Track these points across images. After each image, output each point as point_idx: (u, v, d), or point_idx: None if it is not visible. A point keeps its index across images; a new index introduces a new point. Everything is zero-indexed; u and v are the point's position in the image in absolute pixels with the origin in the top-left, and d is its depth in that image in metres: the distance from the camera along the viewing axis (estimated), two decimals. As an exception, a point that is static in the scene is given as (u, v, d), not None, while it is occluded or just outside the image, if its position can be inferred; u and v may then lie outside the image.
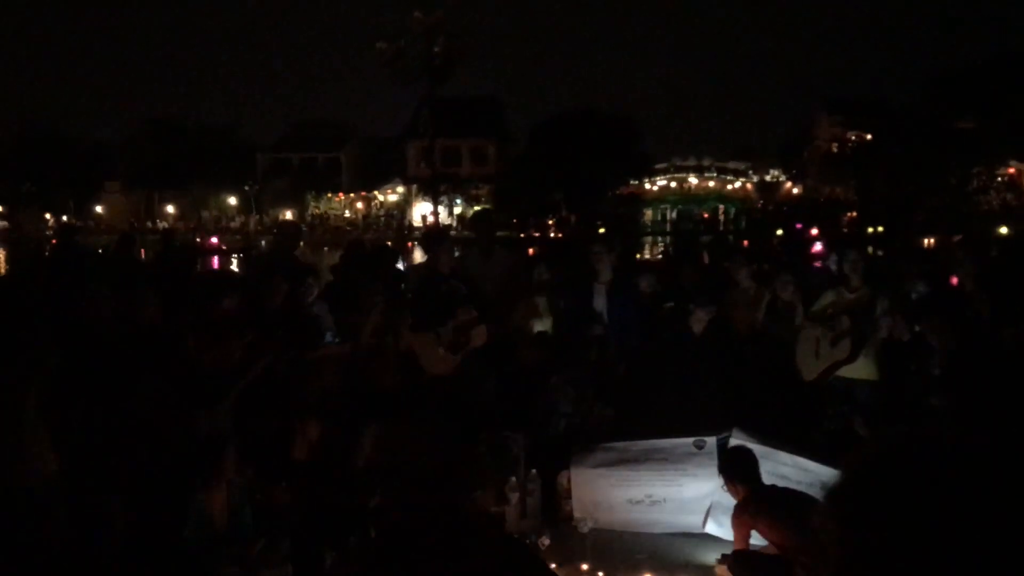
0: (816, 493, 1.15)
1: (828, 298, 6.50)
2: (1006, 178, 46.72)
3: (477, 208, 35.70)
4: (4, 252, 34.48)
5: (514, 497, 5.24)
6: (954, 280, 6.90)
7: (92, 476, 4.23)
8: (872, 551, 0.97)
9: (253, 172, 59.84)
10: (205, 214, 60.50)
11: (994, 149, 43.19)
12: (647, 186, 62.55)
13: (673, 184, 65.56)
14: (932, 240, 34.41)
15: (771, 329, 6.71)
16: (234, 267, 20.95)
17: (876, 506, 0.99)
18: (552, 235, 48.92)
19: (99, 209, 62.02)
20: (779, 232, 37.71)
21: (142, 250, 14.18)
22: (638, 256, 18.86)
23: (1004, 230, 33.66)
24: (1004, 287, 6.26)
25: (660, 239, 47.66)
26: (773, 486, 4.68)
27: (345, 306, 6.84)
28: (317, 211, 60.32)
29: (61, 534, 3.90)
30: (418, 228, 50.97)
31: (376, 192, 62.08)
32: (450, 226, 39.84)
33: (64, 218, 55.98)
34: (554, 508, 5.41)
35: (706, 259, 9.38)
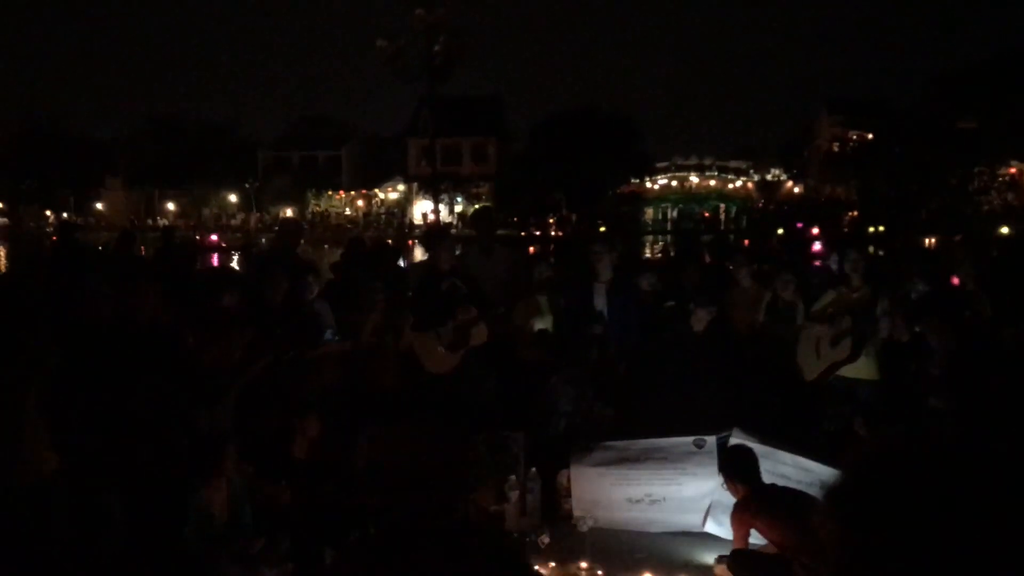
0: (816, 493, 1.15)
1: (829, 298, 6.49)
2: (1007, 178, 46.69)
3: (477, 206, 35.66)
4: (4, 249, 34.48)
5: (514, 495, 5.24)
6: (955, 280, 6.89)
7: (92, 475, 4.22)
8: (872, 550, 0.97)
9: (254, 170, 59.85)
10: (206, 212, 60.52)
11: (995, 149, 43.20)
12: (648, 185, 62.60)
13: (674, 183, 65.58)
14: (933, 240, 34.44)
15: (773, 329, 6.71)
16: (234, 265, 20.94)
17: (876, 506, 0.99)
18: (553, 234, 48.95)
19: (100, 206, 62.08)
20: (780, 231, 37.75)
21: (142, 247, 14.17)
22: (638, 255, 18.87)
23: (1005, 230, 33.68)
24: (1004, 287, 6.26)
25: (661, 238, 47.68)
26: (773, 485, 4.69)
27: (345, 304, 6.84)
28: (318, 209, 60.32)
29: (61, 534, 3.90)
30: (419, 226, 51.00)
31: (377, 190, 62.09)
32: (451, 224, 39.85)
33: (64, 215, 56.01)
34: (554, 507, 5.42)
35: (707, 258, 9.38)
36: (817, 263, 9.93)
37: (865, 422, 5.66)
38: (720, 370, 6.25)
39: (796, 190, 62.12)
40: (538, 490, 5.33)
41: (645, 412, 6.02)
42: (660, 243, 41.18)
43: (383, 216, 60.01)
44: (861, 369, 6.19)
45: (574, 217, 51.68)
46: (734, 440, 5.12)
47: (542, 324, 6.71)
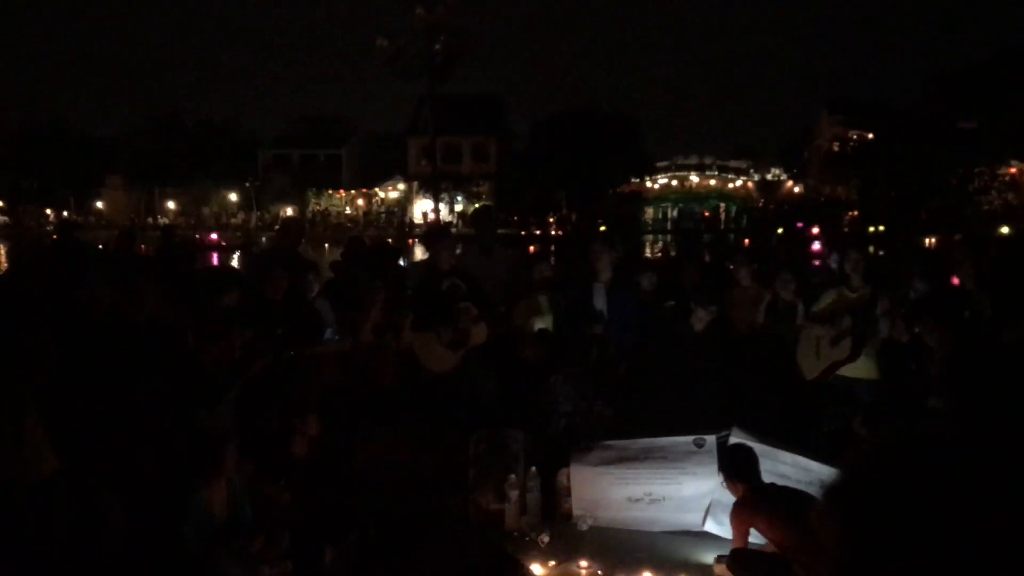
0: (816, 492, 1.15)
1: (829, 297, 6.50)
2: (1007, 178, 46.70)
3: (478, 205, 35.67)
4: (4, 248, 34.47)
5: (514, 495, 5.24)
6: (955, 280, 6.89)
7: (92, 475, 4.22)
8: (871, 549, 0.98)
9: (254, 168, 59.85)
10: (206, 210, 60.51)
11: (995, 149, 43.21)
12: (648, 184, 62.63)
13: (674, 182, 65.61)
14: (933, 240, 34.45)
15: (773, 329, 6.71)
16: (234, 263, 20.95)
17: (875, 505, 0.99)
18: (553, 233, 48.95)
19: (100, 205, 62.10)
20: (780, 231, 37.76)
21: (142, 246, 14.17)
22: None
23: (1005, 230, 33.69)
24: (1004, 287, 6.26)
25: (661, 238, 47.69)
26: (772, 484, 4.68)
27: (345, 303, 6.84)
28: (318, 208, 60.35)
29: (61, 533, 3.90)
30: (419, 225, 51.01)
31: (377, 189, 62.10)
32: (451, 223, 39.82)
33: (65, 214, 56.04)
34: (554, 506, 5.41)
35: (707, 258, 9.38)
36: (817, 263, 9.94)
37: (864, 422, 5.66)
38: (720, 370, 6.25)
39: (796, 190, 62.14)
40: (538, 489, 5.33)
41: (645, 411, 6.02)
42: (660, 243, 41.20)
43: (383, 215, 60.04)
44: (861, 369, 6.20)
45: (574, 216, 51.69)
46: (734, 439, 5.13)
47: (542, 323, 6.71)
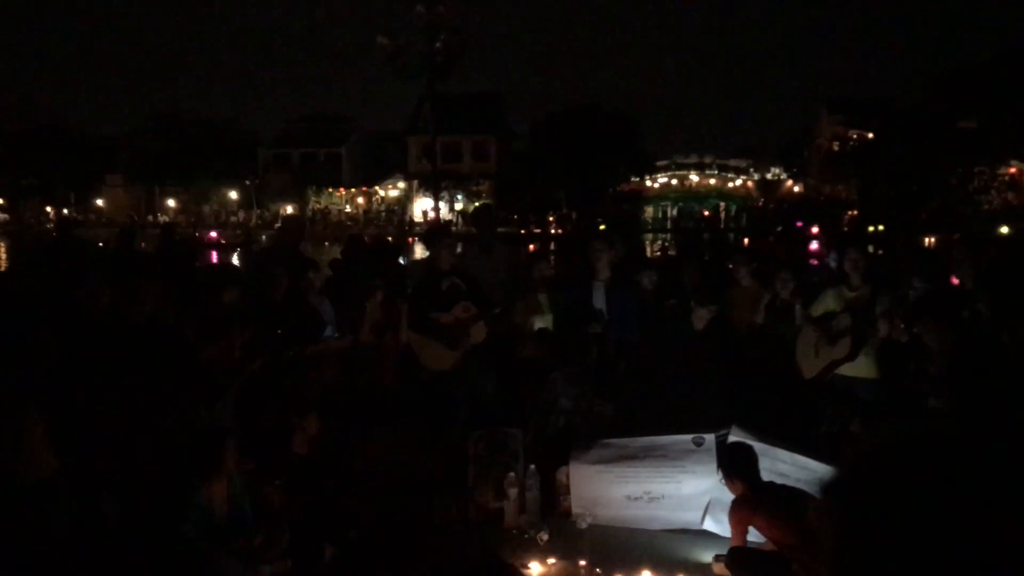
0: (815, 491, 1.15)
1: (828, 296, 6.50)
2: (1007, 178, 46.66)
3: (478, 204, 35.66)
4: (5, 246, 34.47)
5: (513, 493, 5.25)
6: (954, 280, 6.89)
7: (92, 475, 4.23)
8: (869, 548, 0.98)
9: (254, 167, 59.81)
10: (206, 208, 60.49)
11: (995, 149, 43.16)
12: (648, 183, 62.57)
13: (674, 181, 65.55)
14: (933, 240, 34.45)
15: (773, 328, 6.72)
16: (234, 261, 20.96)
17: (874, 503, 0.99)
18: (553, 232, 48.92)
19: (100, 203, 62.05)
20: (779, 229, 37.76)
21: (142, 244, 14.18)
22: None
23: (1005, 230, 33.68)
24: (1004, 287, 6.25)
25: (661, 237, 47.67)
26: (771, 483, 4.69)
27: (345, 302, 6.85)
28: (318, 206, 60.29)
29: (61, 533, 3.90)
30: (419, 224, 50.97)
31: (377, 187, 62.04)
32: (451, 222, 39.78)
33: (65, 212, 56.03)
34: (553, 504, 5.42)
35: (707, 257, 9.39)
36: (815, 262, 9.94)
37: (863, 422, 5.67)
38: (720, 369, 6.26)
39: (796, 189, 62.11)
40: (537, 487, 5.34)
41: (644, 410, 6.03)
42: (660, 242, 41.17)
43: (383, 214, 59.97)
44: (860, 368, 6.20)
45: (574, 215, 51.66)
46: (733, 438, 5.13)
47: (542, 322, 6.71)
